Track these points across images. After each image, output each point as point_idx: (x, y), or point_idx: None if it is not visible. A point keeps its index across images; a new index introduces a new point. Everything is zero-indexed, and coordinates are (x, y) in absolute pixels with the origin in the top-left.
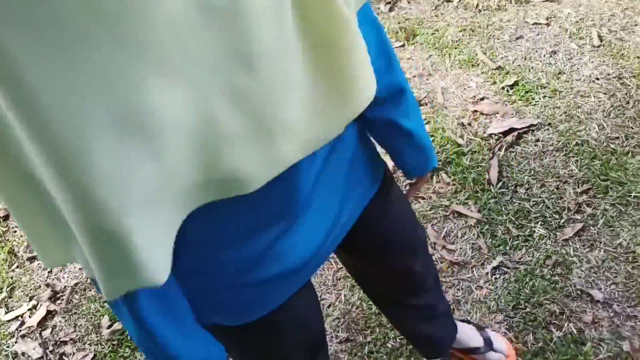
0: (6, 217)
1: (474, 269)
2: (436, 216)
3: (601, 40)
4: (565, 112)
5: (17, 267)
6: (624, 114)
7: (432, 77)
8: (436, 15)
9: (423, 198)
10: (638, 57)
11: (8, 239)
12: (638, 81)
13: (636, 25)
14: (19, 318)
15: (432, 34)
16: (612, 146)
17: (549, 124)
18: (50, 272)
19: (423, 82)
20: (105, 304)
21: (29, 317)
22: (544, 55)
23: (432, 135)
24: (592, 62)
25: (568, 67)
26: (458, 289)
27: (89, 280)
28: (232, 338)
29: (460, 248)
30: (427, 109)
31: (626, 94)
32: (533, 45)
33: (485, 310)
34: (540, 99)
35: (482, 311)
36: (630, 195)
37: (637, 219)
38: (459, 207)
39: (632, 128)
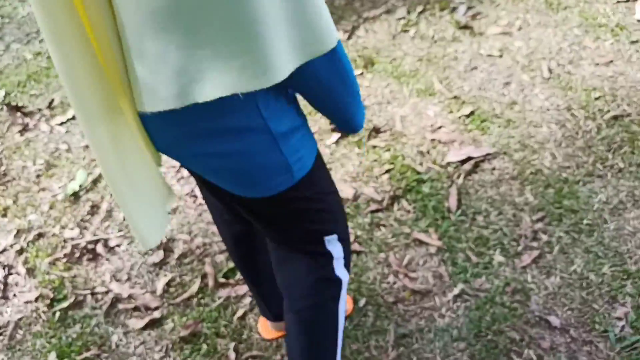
0: None
1: (436, 297)
2: (397, 244)
3: (551, 73)
4: (520, 142)
5: None
6: (574, 144)
7: (391, 105)
8: (394, 45)
9: (384, 225)
10: (585, 90)
11: None
12: (585, 112)
13: (581, 59)
14: None
15: (389, 63)
16: (564, 175)
17: (505, 152)
18: None
19: (382, 109)
20: (52, 340)
21: None
22: (498, 86)
23: (391, 163)
24: (542, 93)
25: (521, 98)
26: (421, 318)
27: (34, 315)
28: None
29: (422, 276)
30: (386, 136)
31: (575, 125)
32: (487, 76)
33: (448, 338)
34: (495, 128)
35: (444, 340)
36: (582, 223)
37: (589, 246)
38: (420, 235)
39: (582, 157)
